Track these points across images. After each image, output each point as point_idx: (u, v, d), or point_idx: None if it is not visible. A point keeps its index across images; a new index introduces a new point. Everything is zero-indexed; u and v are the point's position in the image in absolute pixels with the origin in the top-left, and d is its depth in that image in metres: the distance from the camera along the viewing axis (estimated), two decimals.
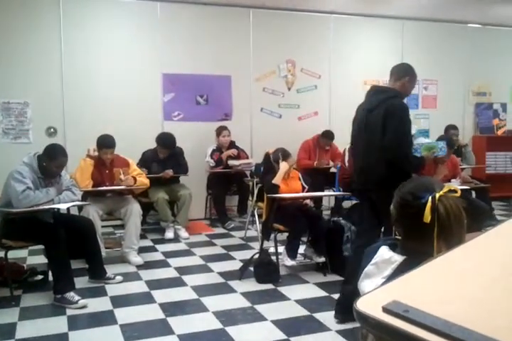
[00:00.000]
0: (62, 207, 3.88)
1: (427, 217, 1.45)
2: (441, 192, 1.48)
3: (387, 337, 0.66)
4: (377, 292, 0.75)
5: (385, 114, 3.11)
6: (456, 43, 7.66)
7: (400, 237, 1.63)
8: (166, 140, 5.65)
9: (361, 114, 3.33)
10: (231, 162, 6.05)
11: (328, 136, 6.50)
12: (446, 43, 7.59)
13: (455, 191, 1.50)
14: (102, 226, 4.78)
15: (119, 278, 4.12)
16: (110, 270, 4.22)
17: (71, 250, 3.77)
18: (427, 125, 7.67)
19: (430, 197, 1.47)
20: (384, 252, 1.56)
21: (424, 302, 0.69)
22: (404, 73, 3.37)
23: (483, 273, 0.75)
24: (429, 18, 7.40)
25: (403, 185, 1.63)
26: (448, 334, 0.60)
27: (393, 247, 1.60)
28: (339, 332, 3.14)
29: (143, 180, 4.80)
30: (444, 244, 1.45)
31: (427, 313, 0.64)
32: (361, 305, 0.71)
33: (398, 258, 1.50)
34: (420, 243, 1.50)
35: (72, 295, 3.58)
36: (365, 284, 1.56)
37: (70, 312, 3.47)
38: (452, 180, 4.73)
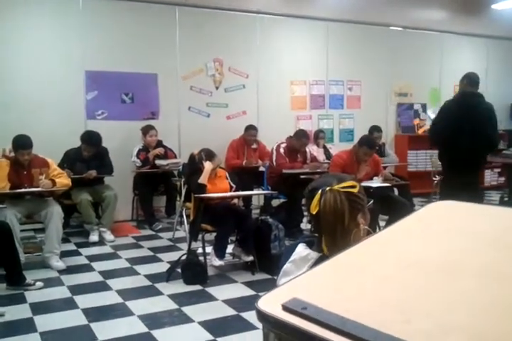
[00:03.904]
0: None
1: (313, 209, 1.51)
2: (335, 187, 1.53)
3: (285, 334, 0.66)
4: (279, 290, 0.74)
5: (489, 110, 4.61)
6: (379, 45, 7.92)
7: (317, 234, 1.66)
8: (91, 137, 5.45)
9: (462, 110, 4.57)
10: (158, 162, 5.95)
11: (252, 127, 6.54)
12: (369, 45, 7.84)
13: (353, 186, 1.56)
14: (22, 230, 4.57)
15: (39, 284, 3.95)
16: (30, 276, 4.04)
17: None
18: (351, 125, 7.89)
19: (320, 190, 1.53)
20: (301, 250, 1.58)
21: (323, 299, 0.69)
22: (477, 80, 4.73)
23: (380, 268, 0.76)
24: (352, 20, 7.61)
25: (313, 181, 1.68)
26: (342, 330, 0.60)
27: (311, 244, 1.62)
28: None
29: (63, 181, 4.62)
30: (328, 237, 1.51)
31: (324, 310, 0.64)
32: (262, 303, 0.70)
33: (314, 256, 1.52)
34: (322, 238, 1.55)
35: None
36: (283, 282, 1.57)
37: None
38: (374, 178, 4.89)
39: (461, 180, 4.55)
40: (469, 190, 4.51)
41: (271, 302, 0.70)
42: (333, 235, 1.53)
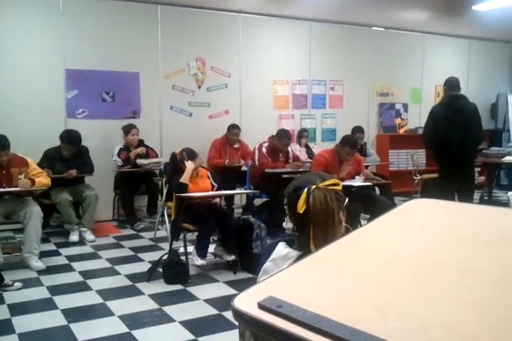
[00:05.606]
0: None
1: (300, 207, 1.51)
2: (320, 185, 1.53)
3: (261, 332, 0.65)
4: (255, 288, 0.73)
5: (474, 110, 5.01)
6: (361, 45, 7.95)
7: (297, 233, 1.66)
8: (71, 136, 5.38)
9: (452, 111, 4.92)
10: (140, 161, 5.90)
11: (235, 127, 6.54)
12: (352, 45, 7.87)
13: (336, 184, 1.56)
14: (0, 230, 4.52)
15: (18, 284, 3.90)
16: (9, 276, 3.99)
17: None
18: (334, 124, 7.92)
19: (306, 189, 1.52)
20: (281, 248, 1.57)
21: (299, 297, 0.68)
22: (456, 83, 5.11)
23: (358, 266, 0.75)
24: (335, 20, 7.63)
25: (294, 180, 1.67)
26: (317, 328, 0.59)
27: (291, 243, 1.61)
28: None
29: (43, 181, 4.55)
30: (318, 236, 1.50)
31: (299, 308, 0.64)
32: (238, 301, 0.69)
33: (294, 254, 1.52)
34: (308, 237, 1.54)
35: None
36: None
37: None
38: (356, 177, 4.91)
39: (456, 178, 4.98)
40: (464, 189, 5.08)
41: (247, 301, 0.69)
42: (324, 233, 1.52)
